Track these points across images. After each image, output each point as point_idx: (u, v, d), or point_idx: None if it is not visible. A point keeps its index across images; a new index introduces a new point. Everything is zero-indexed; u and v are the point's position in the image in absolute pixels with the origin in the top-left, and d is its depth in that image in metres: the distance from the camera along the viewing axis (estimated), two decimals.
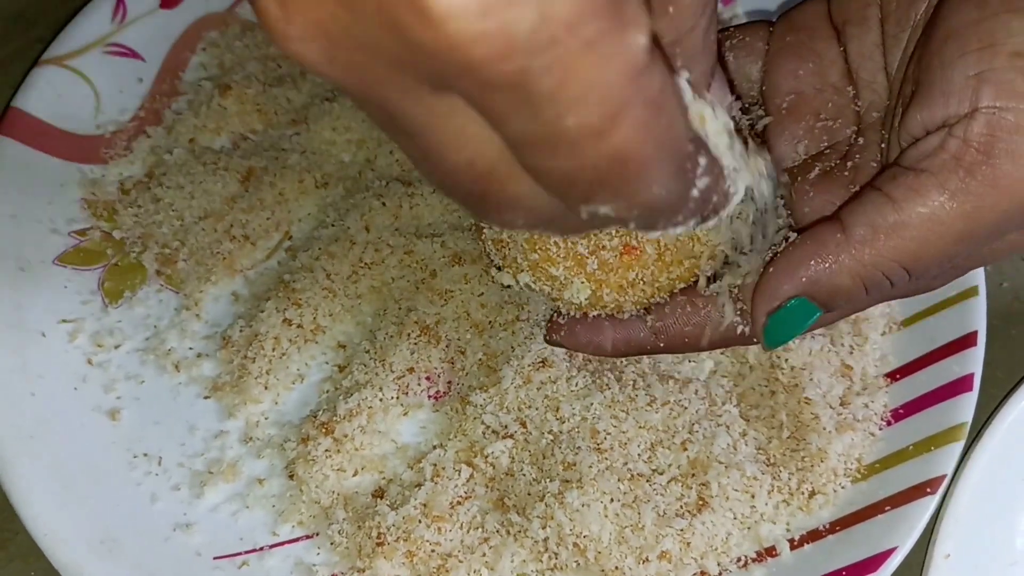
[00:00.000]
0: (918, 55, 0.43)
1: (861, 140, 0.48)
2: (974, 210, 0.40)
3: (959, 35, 0.40)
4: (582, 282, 0.46)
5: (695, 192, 0.33)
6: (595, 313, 0.49)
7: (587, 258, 0.46)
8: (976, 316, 0.55)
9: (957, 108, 0.40)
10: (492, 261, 0.50)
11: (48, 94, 0.65)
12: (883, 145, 0.46)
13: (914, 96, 0.42)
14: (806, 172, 0.49)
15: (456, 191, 0.32)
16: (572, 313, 0.49)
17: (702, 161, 0.33)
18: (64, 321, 0.60)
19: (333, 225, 0.61)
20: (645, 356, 0.55)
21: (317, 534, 0.54)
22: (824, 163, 0.49)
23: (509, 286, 0.49)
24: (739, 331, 0.47)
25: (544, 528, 0.51)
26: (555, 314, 0.51)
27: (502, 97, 0.27)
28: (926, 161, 0.41)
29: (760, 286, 0.45)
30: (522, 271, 0.48)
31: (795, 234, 0.45)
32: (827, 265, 0.42)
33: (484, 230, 0.50)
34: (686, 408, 0.54)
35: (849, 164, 0.47)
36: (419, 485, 0.53)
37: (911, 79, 0.43)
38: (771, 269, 0.44)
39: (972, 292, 0.56)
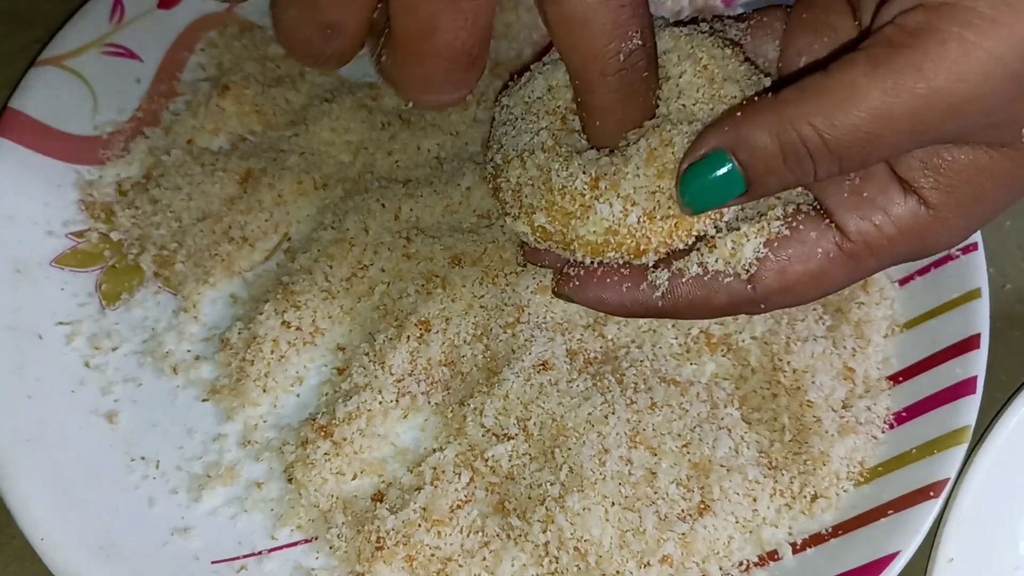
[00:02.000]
0: None
1: None
2: (893, 86, 0.40)
3: None
4: (607, 203, 0.47)
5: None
6: (611, 256, 0.48)
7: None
8: (979, 318, 0.55)
9: (902, 4, 0.41)
10: (507, 213, 0.50)
11: (45, 95, 0.65)
12: None
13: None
14: None
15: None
16: (580, 262, 0.49)
17: None
18: (61, 323, 0.60)
19: (332, 227, 0.61)
20: (646, 356, 0.55)
21: (316, 538, 0.54)
22: None
23: (523, 233, 0.50)
24: (747, 293, 0.47)
25: (545, 532, 0.51)
26: (566, 266, 0.51)
27: None
28: (864, 43, 0.41)
29: (692, 143, 0.45)
30: (537, 211, 0.48)
31: None
32: (751, 120, 0.43)
33: (501, 184, 0.50)
34: (687, 411, 0.53)
35: None
36: (419, 489, 0.53)
37: None
38: (706, 127, 0.45)
39: (975, 294, 0.56)
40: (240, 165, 0.64)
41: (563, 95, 0.51)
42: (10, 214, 0.61)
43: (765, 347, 0.56)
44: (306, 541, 0.54)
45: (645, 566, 0.50)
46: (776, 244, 0.46)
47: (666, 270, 0.48)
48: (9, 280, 0.59)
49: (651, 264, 0.48)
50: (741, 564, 0.52)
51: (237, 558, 0.54)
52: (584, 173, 0.47)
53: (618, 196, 0.47)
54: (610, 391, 0.54)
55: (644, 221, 0.47)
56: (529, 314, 0.57)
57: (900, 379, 0.56)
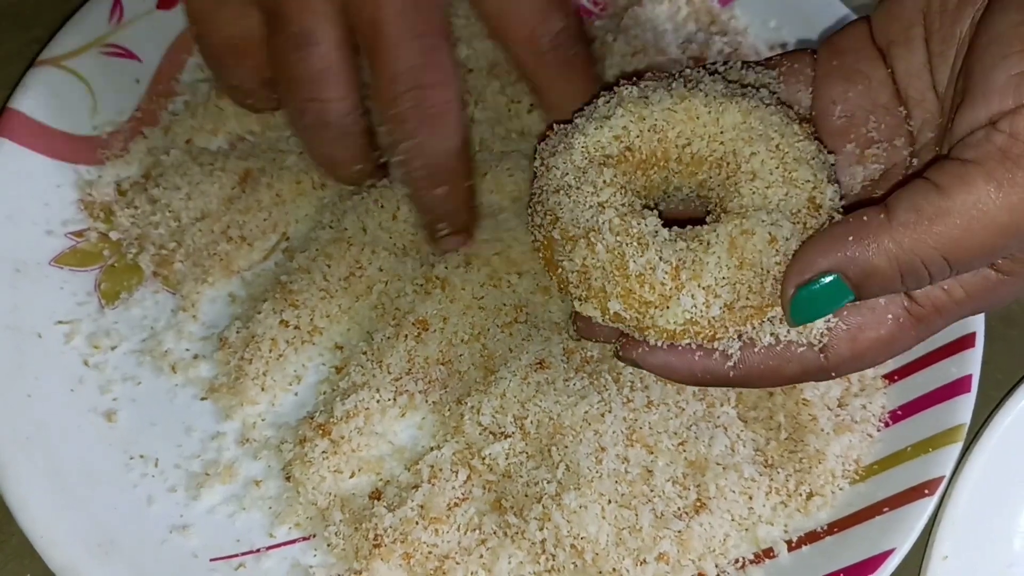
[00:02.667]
0: (964, 66, 0.43)
1: (915, 162, 0.47)
2: (1020, 202, 0.39)
3: (1001, 39, 0.41)
4: (690, 295, 0.45)
5: None
6: (685, 342, 0.47)
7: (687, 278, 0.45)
8: (975, 318, 0.55)
9: (1001, 105, 0.40)
10: (571, 294, 0.48)
11: (44, 95, 0.65)
12: None
13: (960, 103, 0.42)
14: (868, 196, 0.48)
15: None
16: (658, 343, 0.47)
17: None
18: (60, 322, 0.60)
19: (330, 226, 0.61)
20: None
21: (314, 536, 0.54)
22: (882, 188, 0.48)
23: (593, 316, 0.48)
24: (819, 363, 0.46)
25: (542, 530, 0.51)
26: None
27: None
28: (972, 151, 0.40)
29: (795, 258, 0.44)
30: (612, 298, 0.46)
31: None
32: (866, 244, 0.42)
33: (562, 263, 0.48)
34: (684, 409, 0.54)
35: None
36: (416, 487, 0.53)
37: (960, 92, 0.43)
38: (808, 243, 0.44)
39: None
40: (239, 165, 0.64)
41: (620, 162, 0.49)
42: (9, 214, 0.61)
43: None
44: (304, 539, 0.54)
45: (641, 563, 0.51)
46: (846, 313, 0.46)
47: (737, 339, 0.47)
48: (8, 279, 0.60)
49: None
50: (737, 561, 0.52)
51: (235, 556, 0.54)
52: (663, 262, 0.45)
53: (700, 287, 0.45)
54: (607, 389, 0.54)
55: (725, 312, 0.45)
56: (526, 313, 0.57)
57: (895, 377, 0.56)
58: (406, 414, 0.57)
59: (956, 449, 0.52)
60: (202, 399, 0.58)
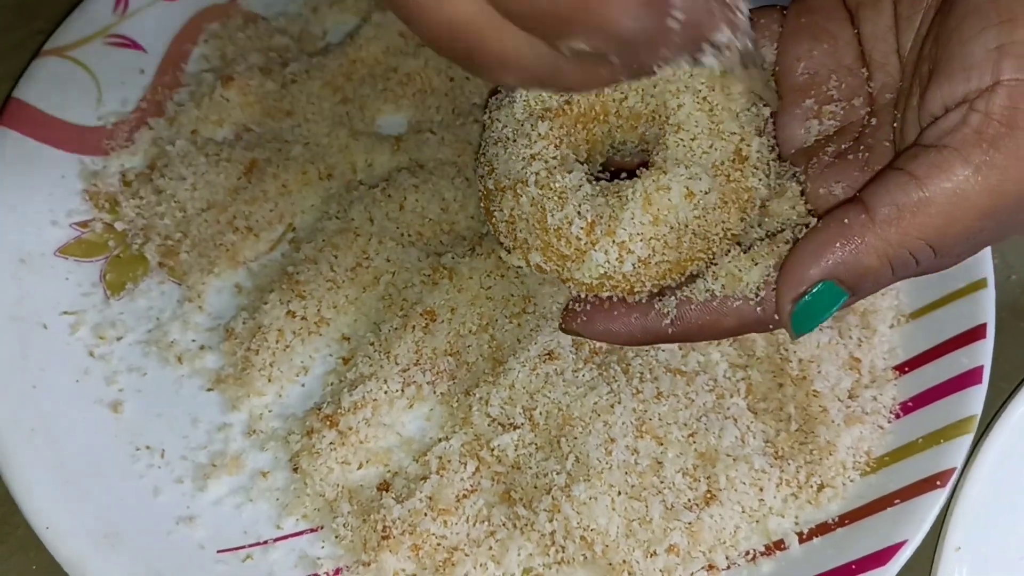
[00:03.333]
0: (935, 34, 0.43)
1: (874, 121, 0.48)
2: (999, 184, 0.39)
3: (978, 11, 0.40)
4: (603, 251, 0.46)
5: (674, 23, 0.34)
6: (607, 295, 0.48)
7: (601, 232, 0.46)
8: (985, 308, 0.55)
9: (978, 82, 0.40)
10: (502, 244, 0.50)
11: (49, 85, 0.65)
12: (895, 126, 0.46)
13: (932, 75, 0.42)
14: (818, 154, 0.49)
15: (445, 49, 0.36)
16: (585, 297, 0.49)
17: None
18: (66, 313, 0.60)
19: (337, 216, 0.61)
20: (652, 345, 0.55)
21: (322, 527, 0.54)
22: (836, 144, 0.48)
23: (519, 266, 0.49)
24: (756, 315, 0.47)
25: (551, 521, 0.51)
26: (571, 302, 0.51)
27: None
28: (948, 137, 0.40)
29: (784, 273, 0.44)
30: (533, 250, 0.48)
31: (815, 220, 0.45)
32: (853, 247, 0.42)
33: (494, 213, 0.49)
34: (693, 400, 0.53)
35: (862, 146, 0.47)
36: (425, 478, 0.53)
37: (927, 59, 0.43)
38: (794, 255, 0.44)
39: (981, 284, 0.56)
40: (244, 155, 0.63)
41: (558, 115, 0.50)
42: (14, 204, 0.61)
43: (771, 337, 0.55)
44: (312, 530, 0.54)
45: (652, 555, 0.50)
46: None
47: (673, 298, 0.48)
48: (13, 270, 0.59)
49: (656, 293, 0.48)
50: (747, 554, 0.52)
51: (243, 547, 0.53)
52: (580, 216, 0.47)
53: (613, 243, 0.46)
54: (616, 380, 0.53)
55: (639, 267, 0.46)
56: (535, 304, 0.57)
57: (906, 369, 0.56)
58: (414, 405, 0.56)
59: (968, 440, 0.51)
60: (208, 390, 0.58)
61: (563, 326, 0.51)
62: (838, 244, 0.42)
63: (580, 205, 0.47)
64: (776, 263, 0.46)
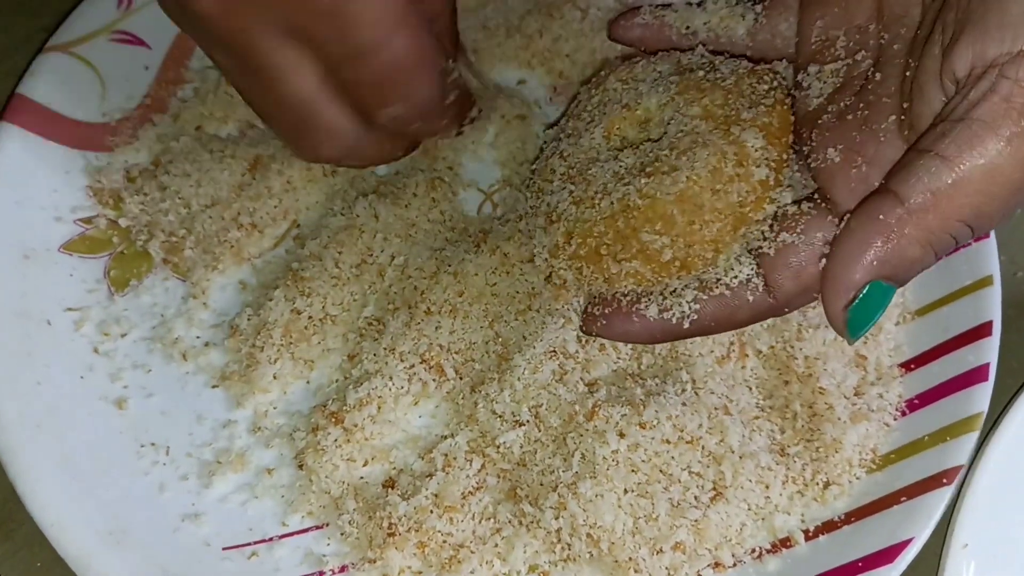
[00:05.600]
0: None
1: (878, 76, 0.46)
2: None
3: None
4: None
5: (450, 98, 0.52)
6: (625, 294, 0.50)
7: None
8: (991, 305, 0.55)
9: (1011, 44, 0.38)
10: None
11: (53, 81, 0.64)
12: (908, 75, 0.44)
13: (962, 28, 0.40)
14: (821, 116, 0.48)
15: (278, 120, 0.52)
16: (603, 298, 0.50)
17: (454, 75, 0.52)
18: (70, 309, 0.59)
19: (341, 213, 0.61)
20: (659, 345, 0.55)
21: (327, 525, 0.54)
22: (837, 103, 0.47)
23: (585, 311, 0.52)
24: (770, 304, 0.47)
25: (557, 518, 0.51)
26: (589, 305, 0.51)
27: (323, 23, 0.45)
28: (977, 110, 0.39)
29: (828, 281, 0.44)
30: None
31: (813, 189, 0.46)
32: (894, 242, 0.41)
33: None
34: (699, 398, 0.53)
35: (862, 103, 0.46)
36: (430, 475, 0.53)
37: (955, 5, 0.41)
38: (835, 260, 0.43)
39: (987, 281, 0.56)
40: (249, 152, 0.63)
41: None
42: (18, 200, 0.61)
43: (776, 334, 0.55)
44: (317, 528, 0.54)
45: (658, 553, 0.50)
46: (788, 251, 0.47)
47: (689, 294, 0.48)
48: (17, 266, 0.59)
49: (678, 290, 0.49)
50: (753, 551, 0.52)
51: (248, 544, 0.53)
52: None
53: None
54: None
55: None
56: (540, 301, 0.57)
57: (912, 366, 0.56)
58: (419, 402, 0.56)
59: (974, 438, 0.51)
60: (213, 387, 0.58)
61: (583, 328, 0.52)
62: (879, 242, 0.42)
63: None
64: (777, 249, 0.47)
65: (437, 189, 0.61)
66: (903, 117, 0.44)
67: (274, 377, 0.57)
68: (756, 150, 0.48)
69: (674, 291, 0.49)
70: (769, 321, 0.55)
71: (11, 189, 0.61)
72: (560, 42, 0.66)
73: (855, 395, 0.54)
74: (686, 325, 0.48)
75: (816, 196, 0.47)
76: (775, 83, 0.51)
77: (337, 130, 0.51)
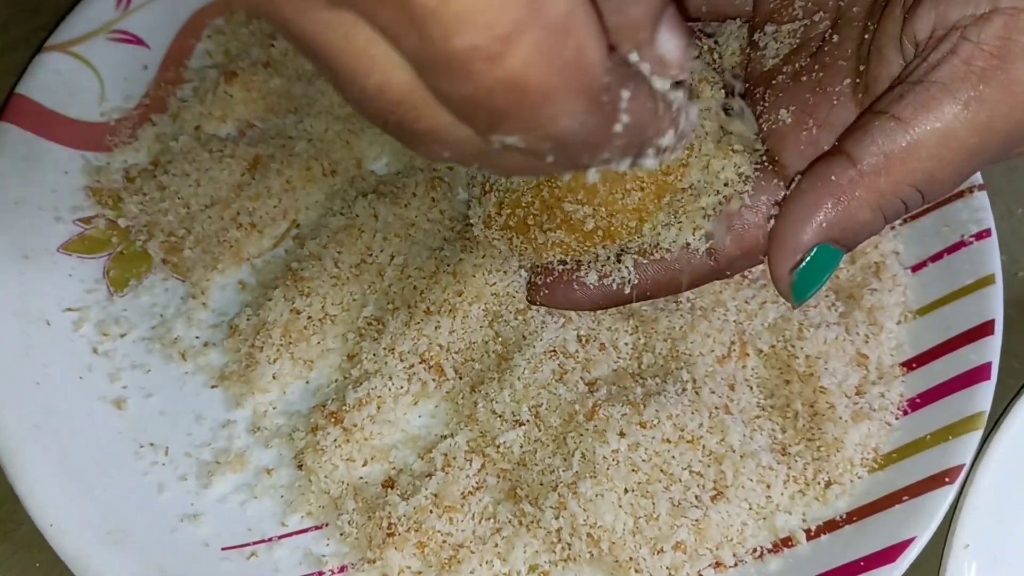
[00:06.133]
0: None
1: (836, 37, 0.45)
2: (988, 120, 0.38)
3: None
4: None
5: (619, 127, 0.31)
6: (562, 264, 0.50)
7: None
8: (993, 304, 0.55)
9: (975, 7, 0.38)
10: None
11: (52, 81, 0.64)
12: (867, 37, 0.43)
13: None
14: (776, 76, 0.47)
15: (376, 118, 0.31)
16: (545, 267, 0.51)
17: (625, 95, 0.30)
18: (69, 309, 0.59)
19: (341, 213, 0.61)
20: (659, 340, 0.55)
21: (327, 525, 0.54)
22: (792, 64, 0.47)
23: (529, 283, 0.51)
24: (710, 266, 0.47)
25: (557, 518, 0.50)
26: (532, 275, 0.51)
27: (388, 12, 0.26)
28: (935, 72, 0.38)
29: (775, 241, 0.43)
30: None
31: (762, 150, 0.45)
32: (844, 204, 0.41)
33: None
34: (700, 397, 0.53)
35: (817, 64, 0.45)
36: (430, 475, 0.53)
37: None
38: (783, 221, 0.43)
39: (989, 280, 0.55)
40: (248, 152, 0.63)
41: None
42: (17, 200, 0.61)
43: (777, 333, 0.55)
44: (316, 528, 0.54)
45: (658, 552, 0.50)
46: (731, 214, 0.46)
47: (629, 260, 0.48)
48: (16, 266, 0.59)
49: (612, 258, 0.49)
50: (755, 551, 0.52)
51: (247, 545, 0.53)
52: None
53: None
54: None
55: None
56: None
57: (914, 365, 0.56)
58: (419, 402, 0.56)
59: (976, 437, 0.51)
60: (212, 387, 0.58)
61: (528, 298, 0.52)
62: (829, 204, 0.41)
63: None
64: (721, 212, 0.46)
65: (437, 188, 0.61)
66: (858, 80, 0.43)
67: (273, 377, 0.57)
68: None
69: (614, 258, 0.49)
70: (770, 320, 0.55)
71: (10, 189, 0.61)
72: None
73: (857, 394, 0.54)
74: (627, 290, 0.48)
75: (764, 159, 0.47)
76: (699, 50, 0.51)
77: (450, 138, 0.31)
